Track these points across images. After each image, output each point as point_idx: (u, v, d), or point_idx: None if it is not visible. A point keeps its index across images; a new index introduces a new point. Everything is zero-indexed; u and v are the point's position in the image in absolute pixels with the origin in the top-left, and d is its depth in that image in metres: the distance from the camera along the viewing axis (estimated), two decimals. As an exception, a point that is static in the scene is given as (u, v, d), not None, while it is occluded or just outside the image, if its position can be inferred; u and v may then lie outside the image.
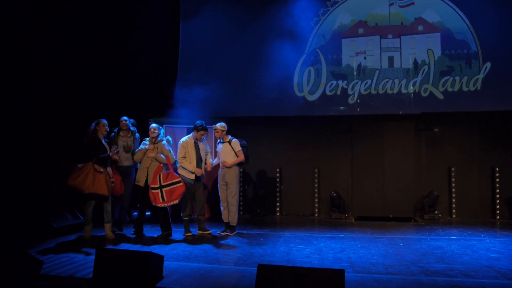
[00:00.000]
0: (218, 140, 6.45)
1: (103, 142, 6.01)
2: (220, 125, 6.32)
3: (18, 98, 6.46)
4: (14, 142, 6.38)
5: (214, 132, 6.41)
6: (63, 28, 7.26)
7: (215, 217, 7.27)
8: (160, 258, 4.04)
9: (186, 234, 6.12)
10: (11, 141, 6.32)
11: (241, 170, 8.13)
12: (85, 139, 5.91)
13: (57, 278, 4.01)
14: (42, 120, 6.81)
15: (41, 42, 6.80)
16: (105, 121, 6.04)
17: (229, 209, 6.30)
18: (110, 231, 5.98)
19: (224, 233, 6.30)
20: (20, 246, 5.34)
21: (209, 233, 6.23)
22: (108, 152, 5.93)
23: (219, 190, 6.39)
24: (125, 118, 6.56)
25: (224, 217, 6.37)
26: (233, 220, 6.31)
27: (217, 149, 6.48)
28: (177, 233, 6.23)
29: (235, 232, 6.33)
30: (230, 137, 6.38)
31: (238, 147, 6.28)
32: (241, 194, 8.43)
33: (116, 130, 6.53)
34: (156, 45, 8.69)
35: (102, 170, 5.77)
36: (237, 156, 6.26)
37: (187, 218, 6.20)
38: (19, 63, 6.48)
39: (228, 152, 6.27)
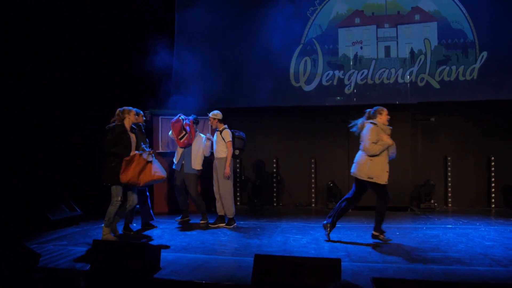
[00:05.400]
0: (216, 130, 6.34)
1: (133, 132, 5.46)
2: (212, 113, 6.14)
3: (13, 93, 6.40)
4: (10, 135, 6.34)
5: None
6: (58, 26, 7.21)
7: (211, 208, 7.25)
8: (157, 249, 4.05)
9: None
10: (7, 134, 6.28)
11: (237, 161, 8.16)
12: (112, 127, 5.25)
13: (55, 271, 4.01)
14: (38, 114, 6.75)
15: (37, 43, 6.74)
16: (136, 110, 5.54)
17: (222, 202, 6.10)
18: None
19: (216, 225, 6.08)
20: (17, 238, 5.35)
21: (205, 223, 6.23)
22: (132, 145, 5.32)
23: (213, 182, 6.20)
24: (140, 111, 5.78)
25: (218, 210, 6.19)
26: (229, 213, 6.09)
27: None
28: (174, 223, 6.27)
29: (235, 225, 6.12)
30: (225, 126, 6.16)
31: (228, 138, 6.04)
32: (237, 184, 8.46)
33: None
34: (150, 35, 8.59)
35: (151, 159, 5.28)
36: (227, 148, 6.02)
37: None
38: (14, 58, 6.42)
39: (218, 141, 6.09)
